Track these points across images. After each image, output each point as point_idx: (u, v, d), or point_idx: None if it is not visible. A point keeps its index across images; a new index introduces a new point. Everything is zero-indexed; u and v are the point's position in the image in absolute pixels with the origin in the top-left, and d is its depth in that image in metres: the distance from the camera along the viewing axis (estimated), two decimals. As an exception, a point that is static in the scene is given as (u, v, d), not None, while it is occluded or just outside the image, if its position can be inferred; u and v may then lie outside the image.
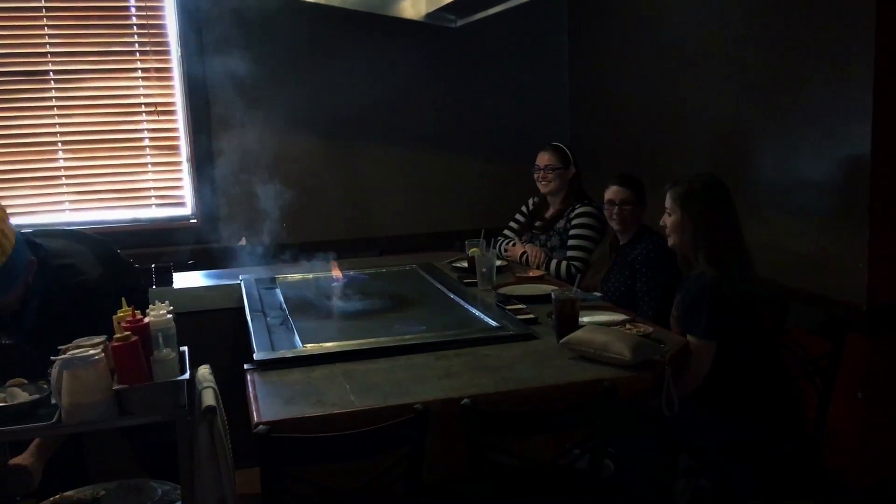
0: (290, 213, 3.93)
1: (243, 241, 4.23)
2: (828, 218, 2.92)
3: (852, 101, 2.76)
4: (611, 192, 3.21)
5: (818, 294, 2.93)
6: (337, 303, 3.02)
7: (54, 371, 1.87)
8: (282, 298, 3.14)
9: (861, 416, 2.83)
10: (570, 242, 3.61)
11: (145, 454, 2.65)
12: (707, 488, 2.65)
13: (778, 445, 2.56)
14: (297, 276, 3.52)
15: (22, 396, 1.92)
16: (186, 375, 2.00)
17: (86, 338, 2.02)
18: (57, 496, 2.33)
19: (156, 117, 4.23)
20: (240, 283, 3.37)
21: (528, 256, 3.68)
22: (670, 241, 2.73)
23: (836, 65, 2.83)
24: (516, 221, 4.00)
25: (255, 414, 1.98)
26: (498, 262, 3.40)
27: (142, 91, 4.20)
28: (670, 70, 3.85)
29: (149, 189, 4.29)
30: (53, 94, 4.08)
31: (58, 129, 4.10)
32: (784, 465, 2.58)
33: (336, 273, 3.26)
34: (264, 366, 2.32)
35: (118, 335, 1.91)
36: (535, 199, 3.95)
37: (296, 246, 3.89)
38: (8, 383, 2.00)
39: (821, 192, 2.95)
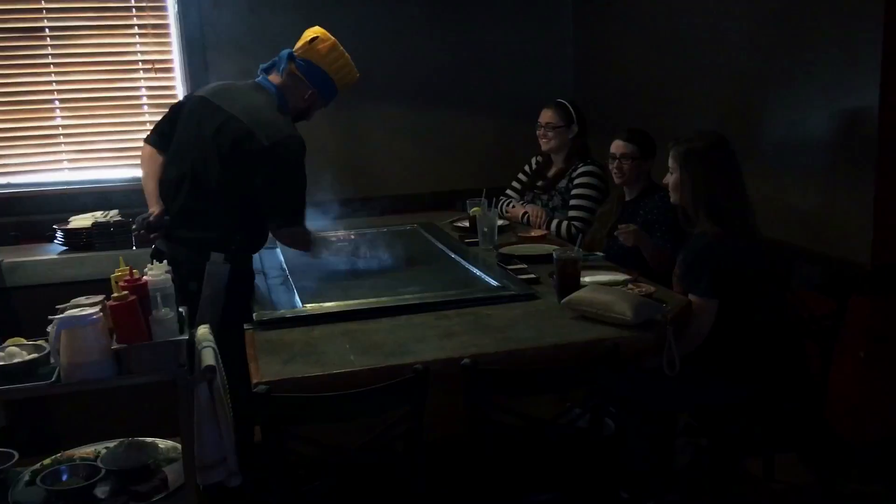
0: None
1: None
2: (834, 175, 2.89)
3: (861, 57, 2.71)
4: (613, 146, 3.21)
5: (823, 253, 2.91)
6: (337, 262, 3.01)
7: (52, 330, 1.87)
8: (282, 258, 3.13)
9: (863, 375, 2.82)
10: (572, 202, 3.58)
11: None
12: (707, 446, 2.67)
13: (779, 404, 2.57)
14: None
15: (20, 355, 1.92)
16: (186, 335, 2.00)
17: (84, 297, 2.03)
18: (59, 454, 2.34)
19: (153, 75, 4.17)
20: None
21: (529, 217, 3.66)
22: (672, 199, 2.71)
23: (845, 20, 2.77)
24: (519, 181, 3.96)
25: (255, 373, 1.98)
26: (499, 222, 3.37)
27: (139, 48, 4.13)
28: (677, 25, 3.77)
29: (148, 148, 4.23)
30: (49, 50, 4.01)
31: (55, 86, 4.04)
32: (785, 424, 2.59)
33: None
34: (265, 325, 2.32)
35: (116, 294, 1.91)
36: (539, 158, 3.91)
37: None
38: (6, 342, 1.99)
39: (827, 149, 2.91)
